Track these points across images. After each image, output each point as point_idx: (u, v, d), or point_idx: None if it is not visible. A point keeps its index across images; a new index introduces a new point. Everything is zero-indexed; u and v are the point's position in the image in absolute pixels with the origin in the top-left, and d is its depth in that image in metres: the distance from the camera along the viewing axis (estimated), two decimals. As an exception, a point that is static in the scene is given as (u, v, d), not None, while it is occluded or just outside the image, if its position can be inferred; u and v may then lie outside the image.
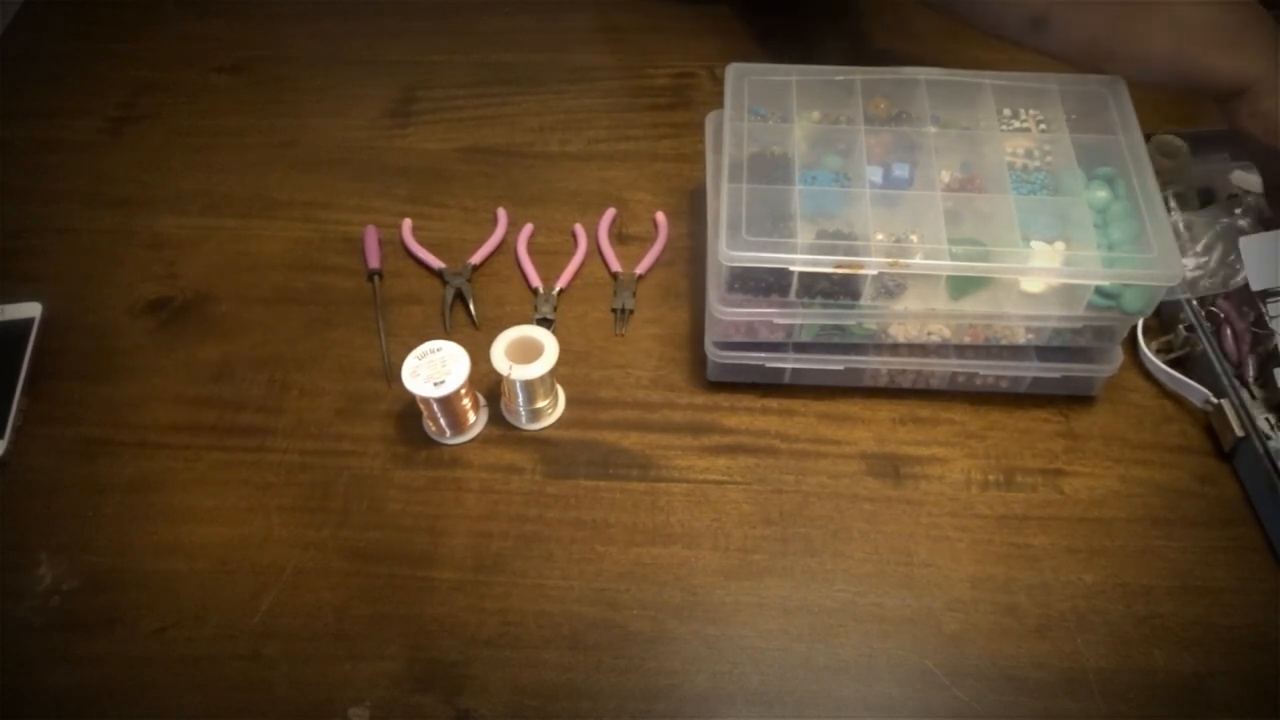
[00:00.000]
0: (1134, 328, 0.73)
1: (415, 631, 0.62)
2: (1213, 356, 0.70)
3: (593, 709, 0.59)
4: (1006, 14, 0.73)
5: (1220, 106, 0.71)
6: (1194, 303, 0.73)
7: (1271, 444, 0.66)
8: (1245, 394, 0.69)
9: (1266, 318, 0.70)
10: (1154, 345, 0.73)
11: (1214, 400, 0.69)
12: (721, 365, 0.71)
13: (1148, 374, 0.73)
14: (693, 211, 0.84)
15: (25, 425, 0.72)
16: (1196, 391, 0.70)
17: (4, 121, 0.93)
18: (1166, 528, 0.66)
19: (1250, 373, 0.70)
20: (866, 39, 0.98)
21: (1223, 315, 0.72)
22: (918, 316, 0.68)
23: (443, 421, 0.69)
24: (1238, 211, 0.74)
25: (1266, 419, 0.68)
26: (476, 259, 0.81)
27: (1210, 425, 0.70)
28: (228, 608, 0.63)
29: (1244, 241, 0.72)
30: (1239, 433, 0.67)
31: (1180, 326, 0.72)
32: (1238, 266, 0.72)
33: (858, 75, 0.73)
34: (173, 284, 0.80)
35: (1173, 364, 0.72)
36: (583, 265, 0.81)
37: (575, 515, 0.67)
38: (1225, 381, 0.69)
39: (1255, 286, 0.70)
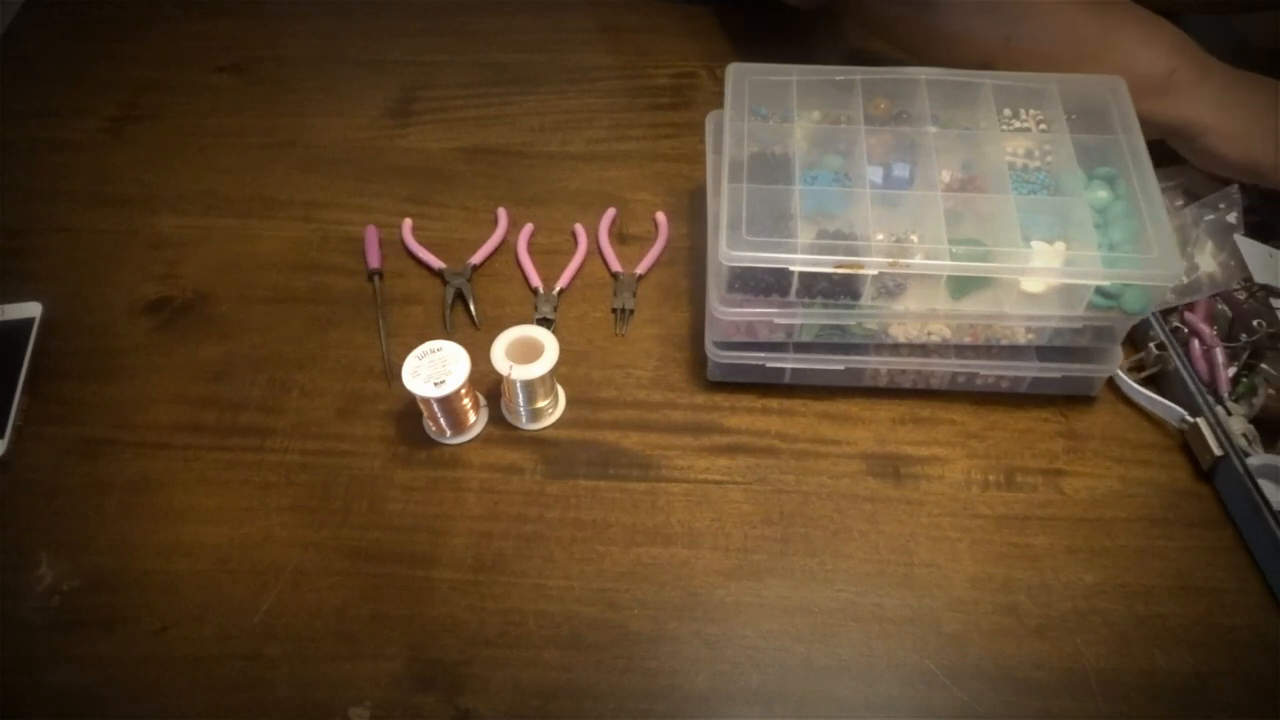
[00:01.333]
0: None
1: (416, 631, 0.62)
2: (1185, 374, 0.69)
3: (593, 709, 0.59)
4: (959, 59, 0.77)
5: (1169, 142, 0.75)
6: (1160, 317, 0.71)
7: (1251, 461, 0.65)
8: (1221, 410, 0.67)
9: (1277, 312, 0.69)
10: (1125, 364, 0.72)
11: (1189, 419, 0.68)
12: (722, 365, 0.71)
13: (1159, 419, 0.71)
14: (693, 211, 0.84)
15: (26, 425, 0.72)
16: (1172, 411, 0.69)
17: (5, 121, 0.93)
18: (1167, 528, 0.66)
19: (1224, 387, 0.69)
20: (868, 38, 0.98)
21: (1187, 329, 0.71)
22: (918, 316, 0.68)
23: (443, 421, 0.69)
24: (1222, 206, 0.74)
25: (1244, 435, 0.66)
26: (477, 259, 0.81)
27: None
28: (228, 608, 0.63)
29: (1240, 240, 0.72)
30: (1217, 451, 0.65)
31: (1150, 345, 0.71)
32: (1230, 263, 0.72)
33: (858, 75, 0.73)
34: (173, 284, 0.80)
35: (1145, 382, 0.71)
36: (583, 265, 0.81)
37: (575, 515, 0.67)
38: (1199, 399, 0.67)
39: (1259, 279, 0.70)
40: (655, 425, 0.71)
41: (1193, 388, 0.68)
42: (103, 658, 0.61)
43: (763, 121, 0.73)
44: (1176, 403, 0.69)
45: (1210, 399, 0.68)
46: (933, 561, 0.65)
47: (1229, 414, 0.68)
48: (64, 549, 0.66)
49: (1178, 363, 0.69)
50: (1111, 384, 0.72)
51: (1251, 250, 0.71)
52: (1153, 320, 0.71)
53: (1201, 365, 0.70)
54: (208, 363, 0.75)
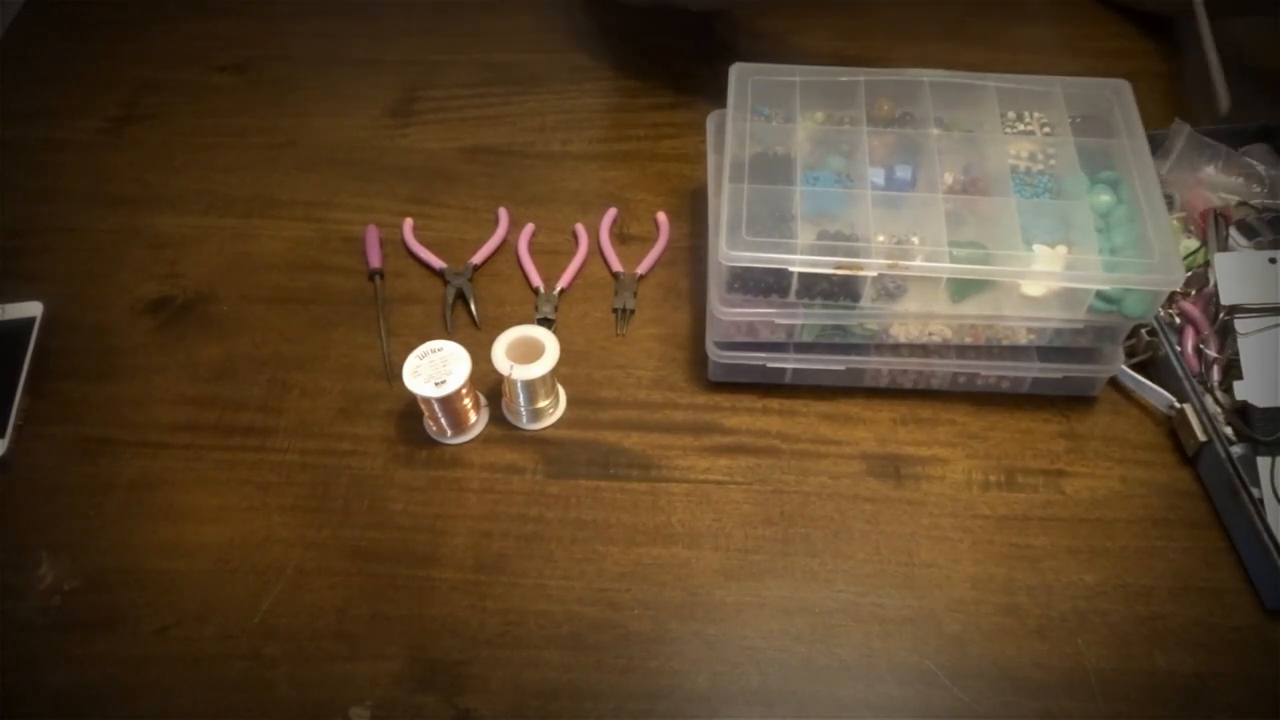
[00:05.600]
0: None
1: (416, 631, 0.62)
2: (1175, 361, 0.69)
3: (594, 709, 0.59)
4: None
5: None
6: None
7: (1234, 449, 0.65)
8: (1210, 399, 0.68)
9: (1238, 335, 0.69)
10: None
11: (1177, 405, 0.68)
12: (722, 365, 0.71)
13: (1160, 419, 0.71)
14: (694, 211, 0.84)
15: (27, 425, 0.72)
16: (1160, 396, 0.70)
17: (5, 121, 0.93)
18: (1168, 528, 0.66)
19: (1215, 377, 0.69)
20: (870, 39, 0.98)
21: (1182, 317, 0.72)
22: (918, 318, 0.68)
23: (443, 421, 0.69)
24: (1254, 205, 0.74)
25: (1230, 424, 0.67)
26: (478, 259, 0.81)
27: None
28: (229, 607, 0.63)
29: (1219, 257, 0.72)
30: (1201, 437, 0.66)
31: (1143, 330, 0.71)
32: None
33: (861, 76, 0.73)
34: (174, 283, 0.80)
35: (1137, 368, 0.71)
36: (584, 265, 0.81)
37: (576, 515, 0.67)
38: (1187, 386, 0.68)
39: (1225, 301, 0.70)
40: (656, 425, 0.71)
41: (1181, 374, 0.68)
42: (103, 658, 0.61)
43: (765, 121, 0.73)
44: (1166, 389, 0.69)
45: (1199, 387, 0.68)
46: (933, 562, 0.65)
47: (1217, 403, 0.68)
48: (64, 549, 0.66)
49: (1168, 350, 0.70)
50: (1111, 382, 0.72)
51: (1231, 268, 0.71)
52: None
53: (1191, 354, 0.70)
54: (208, 363, 0.75)
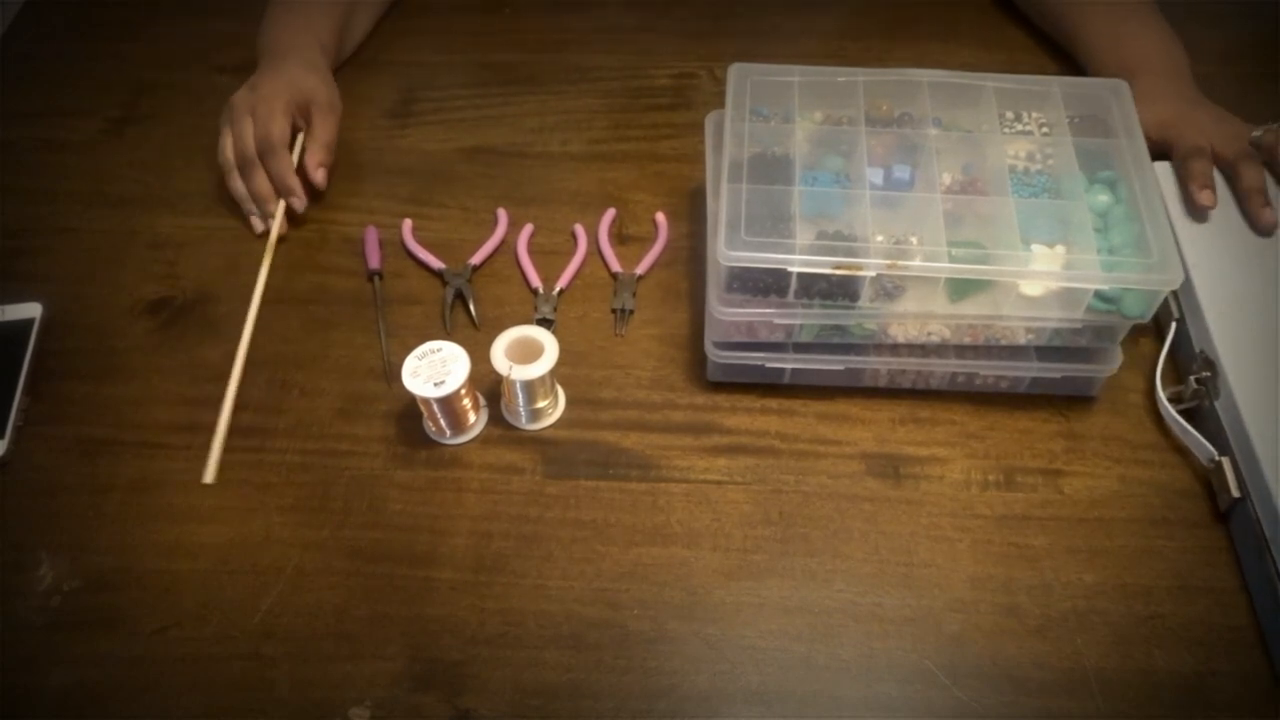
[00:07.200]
0: (1154, 372, 0.71)
1: (416, 631, 0.62)
2: (1220, 414, 0.67)
3: (593, 708, 0.59)
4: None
5: None
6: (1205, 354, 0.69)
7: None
8: (1249, 453, 0.64)
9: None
10: (1167, 392, 0.70)
11: (1217, 458, 0.66)
12: (721, 365, 0.71)
13: (1159, 420, 0.70)
14: (693, 212, 0.84)
15: (26, 425, 0.72)
16: (1202, 447, 0.67)
17: (5, 121, 0.93)
18: (1167, 528, 0.66)
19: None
20: (869, 39, 0.98)
21: None
22: (917, 317, 0.68)
23: (443, 422, 0.69)
24: None
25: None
26: (477, 259, 0.81)
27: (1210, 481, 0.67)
28: (228, 607, 0.63)
29: None
30: (1235, 494, 0.64)
31: (1191, 378, 0.69)
32: None
33: (860, 76, 0.73)
34: (173, 284, 0.80)
35: (1183, 413, 0.69)
36: (583, 265, 0.81)
37: (575, 515, 0.67)
38: (1229, 439, 0.65)
39: None
40: (655, 425, 0.71)
41: (1225, 426, 0.66)
42: (103, 658, 0.61)
43: (764, 122, 0.73)
44: (1209, 438, 0.67)
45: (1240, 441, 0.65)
46: (932, 561, 0.65)
47: (1258, 459, 0.64)
48: (64, 549, 0.66)
49: (1214, 402, 0.67)
50: (1112, 385, 0.72)
51: None
52: (1197, 353, 0.70)
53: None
54: (208, 363, 0.75)
